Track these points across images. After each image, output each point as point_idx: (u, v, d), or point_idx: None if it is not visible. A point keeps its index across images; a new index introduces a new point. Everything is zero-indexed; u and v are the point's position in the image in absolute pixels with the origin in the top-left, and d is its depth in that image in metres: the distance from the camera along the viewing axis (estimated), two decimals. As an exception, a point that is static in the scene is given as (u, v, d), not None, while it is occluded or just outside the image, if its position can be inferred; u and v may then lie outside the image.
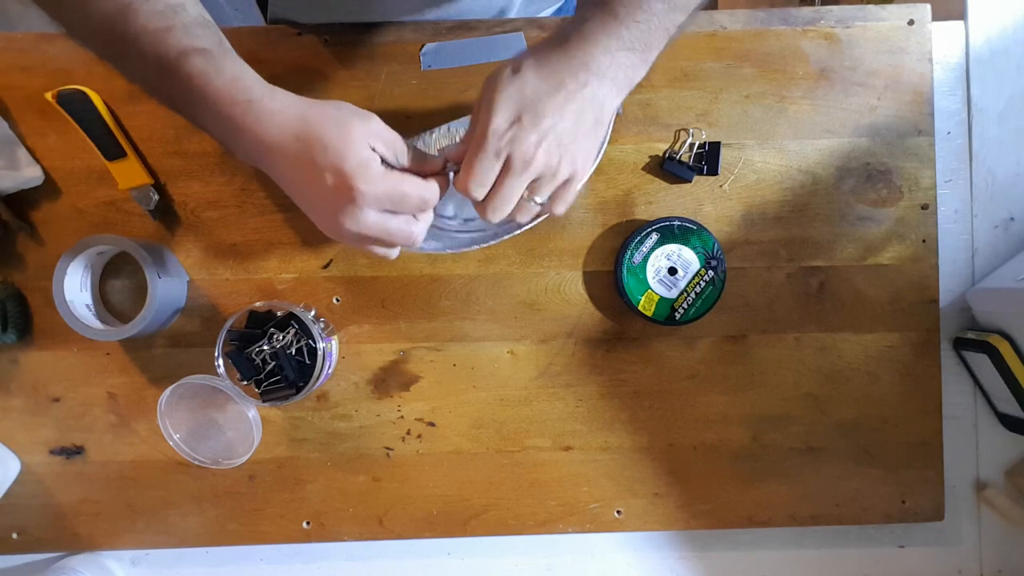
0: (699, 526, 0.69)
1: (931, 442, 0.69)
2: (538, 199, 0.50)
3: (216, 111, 0.45)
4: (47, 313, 0.67)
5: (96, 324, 0.64)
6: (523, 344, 0.69)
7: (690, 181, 0.68)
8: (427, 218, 0.51)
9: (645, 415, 0.69)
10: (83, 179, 0.67)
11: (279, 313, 0.66)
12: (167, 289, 0.64)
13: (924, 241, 0.69)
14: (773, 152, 0.69)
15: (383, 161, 0.47)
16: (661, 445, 0.69)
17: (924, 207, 0.69)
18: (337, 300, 0.68)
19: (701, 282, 0.67)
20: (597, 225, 0.69)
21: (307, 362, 0.64)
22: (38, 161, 0.66)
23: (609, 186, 0.68)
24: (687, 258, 0.67)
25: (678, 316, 0.67)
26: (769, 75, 0.68)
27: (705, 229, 0.67)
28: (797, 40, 0.68)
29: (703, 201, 0.69)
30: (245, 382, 0.65)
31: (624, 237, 0.68)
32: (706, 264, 0.67)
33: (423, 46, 0.68)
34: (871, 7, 0.69)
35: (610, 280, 0.69)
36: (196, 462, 0.65)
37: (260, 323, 0.65)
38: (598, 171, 0.68)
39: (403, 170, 0.49)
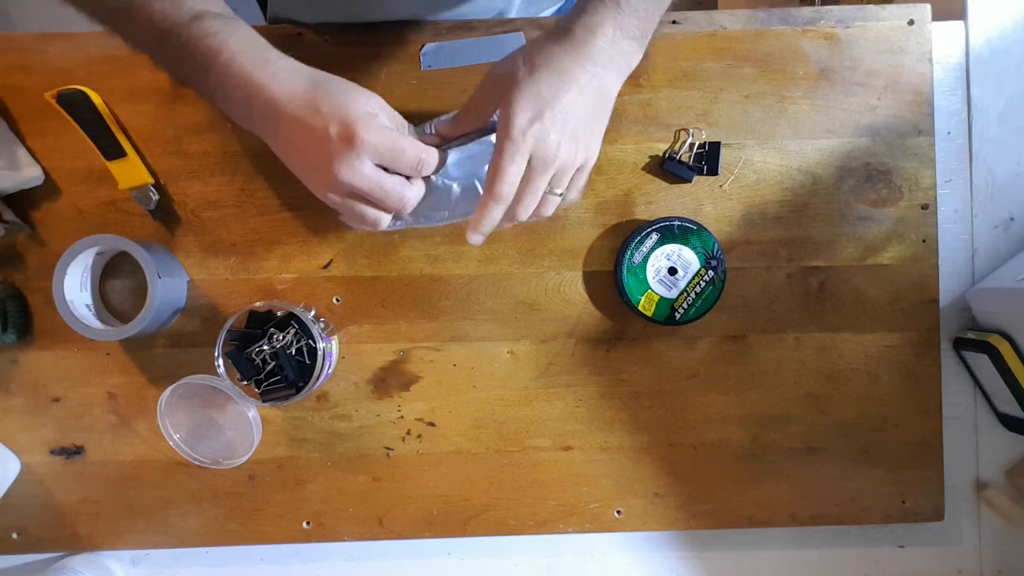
0: (699, 526, 0.69)
1: (931, 442, 0.69)
2: (558, 190, 0.51)
3: (229, 68, 0.46)
4: (47, 313, 0.67)
5: (96, 324, 0.64)
6: (523, 344, 0.69)
7: (690, 181, 0.68)
8: (420, 186, 0.52)
9: (645, 415, 0.69)
10: (83, 179, 0.67)
11: (279, 313, 0.66)
12: (167, 289, 0.64)
13: (924, 241, 0.69)
14: (773, 152, 0.69)
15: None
16: (661, 445, 0.69)
17: (924, 207, 0.69)
18: (337, 300, 0.68)
19: (701, 282, 0.67)
20: (597, 225, 0.69)
21: (307, 362, 0.64)
22: (38, 161, 0.66)
23: (609, 186, 0.68)
24: (687, 258, 0.67)
25: (678, 316, 0.67)
26: (769, 75, 0.68)
27: (705, 229, 0.67)
28: (797, 40, 0.68)
29: (703, 201, 0.69)
30: (245, 382, 0.65)
31: (624, 237, 0.68)
32: (706, 264, 0.67)
33: (423, 46, 0.68)
34: (871, 7, 0.69)
35: (610, 280, 0.69)
36: (196, 462, 0.65)
37: (260, 323, 0.65)
38: (598, 171, 0.68)
39: None
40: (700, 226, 0.67)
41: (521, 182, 0.49)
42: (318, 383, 0.65)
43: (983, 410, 0.71)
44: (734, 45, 0.68)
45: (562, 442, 0.69)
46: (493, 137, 0.51)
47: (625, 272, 0.67)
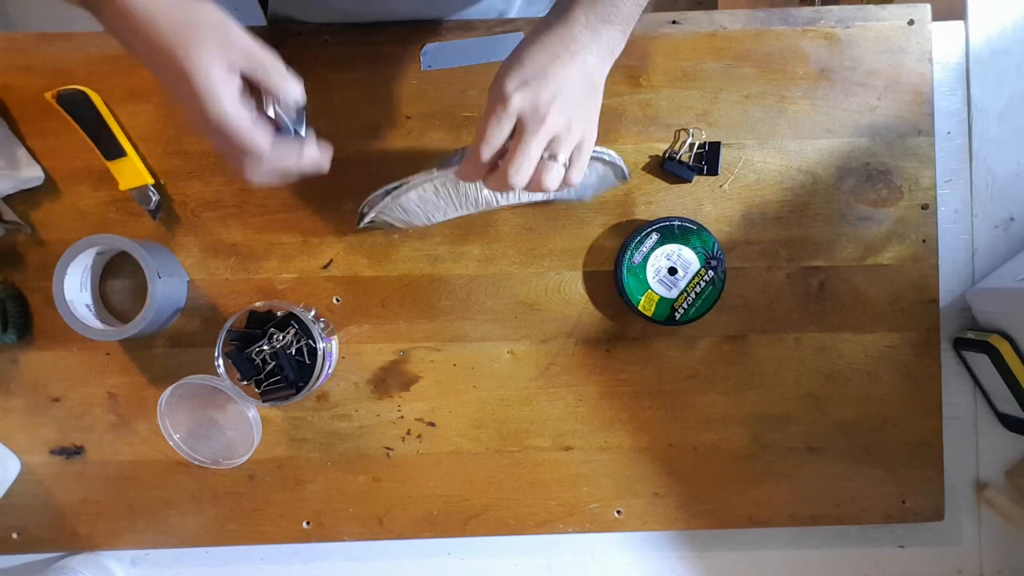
0: (699, 526, 0.69)
1: (931, 442, 0.69)
2: (560, 158, 0.51)
3: None
4: (47, 313, 0.67)
5: (96, 324, 0.64)
6: (523, 344, 0.69)
7: (690, 181, 0.68)
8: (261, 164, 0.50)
9: (645, 415, 0.69)
10: (83, 179, 0.67)
11: (279, 313, 0.66)
12: (167, 289, 0.64)
13: (924, 241, 0.69)
14: (773, 152, 0.69)
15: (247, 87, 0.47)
16: (661, 445, 0.69)
17: (924, 207, 0.69)
18: (337, 300, 0.68)
19: (701, 282, 0.67)
20: (597, 225, 0.69)
21: (307, 362, 0.64)
22: (38, 161, 0.66)
23: (609, 186, 0.68)
24: (687, 258, 0.67)
25: (678, 316, 0.67)
26: (769, 75, 0.68)
27: (705, 229, 0.67)
28: (797, 40, 0.68)
29: (703, 201, 0.69)
30: (245, 382, 0.65)
31: (624, 237, 0.68)
32: (706, 264, 0.67)
33: (423, 46, 0.68)
34: (871, 7, 0.69)
35: (610, 280, 0.69)
36: (196, 462, 0.65)
37: (260, 323, 0.65)
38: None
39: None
40: (700, 226, 0.67)
41: (513, 144, 0.49)
42: (318, 383, 0.65)
43: (983, 410, 0.71)
44: (734, 45, 0.68)
45: (562, 442, 0.69)
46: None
47: (625, 272, 0.67)
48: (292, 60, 0.67)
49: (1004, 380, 0.65)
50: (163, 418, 0.64)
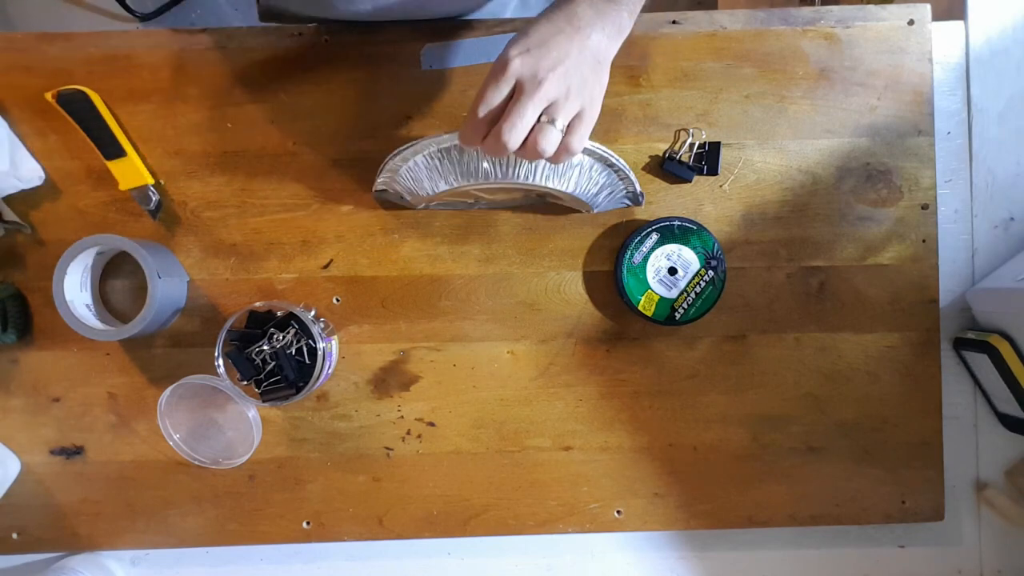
0: (699, 526, 0.69)
1: (931, 442, 0.69)
2: (557, 123, 0.51)
3: None
4: (47, 313, 0.67)
5: (96, 324, 0.64)
6: (523, 344, 0.69)
7: (690, 181, 0.68)
8: None
9: (645, 415, 0.69)
10: (83, 179, 0.67)
11: (279, 313, 0.66)
12: (167, 289, 0.64)
13: (924, 241, 0.69)
14: (773, 152, 0.69)
15: None
16: (661, 445, 0.69)
17: (924, 207, 0.69)
18: (337, 300, 0.68)
19: (701, 282, 0.67)
20: (597, 225, 0.69)
21: (307, 362, 0.64)
22: (38, 161, 0.66)
23: (609, 186, 0.68)
24: (687, 258, 0.67)
25: (678, 316, 0.67)
26: (769, 75, 0.68)
27: (705, 229, 0.67)
28: (797, 40, 0.68)
29: (703, 201, 0.69)
30: (245, 382, 0.65)
31: (624, 237, 0.68)
32: (706, 264, 0.67)
33: (423, 46, 0.68)
34: (871, 7, 0.69)
35: (610, 280, 0.69)
36: (196, 462, 0.65)
37: (260, 323, 0.65)
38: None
39: None
40: (700, 226, 0.67)
41: (509, 104, 0.50)
42: (318, 383, 0.65)
43: (983, 410, 0.71)
44: (734, 45, 0.68)
45: (562, 442, 0.69)
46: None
47: (625, 272, 0.67)
48: (292, 60, 0.68)
49: (1004, 380, 0.65)
50: (163, 418, 0.64)
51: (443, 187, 0.62)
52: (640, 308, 0.67)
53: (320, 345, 0.63)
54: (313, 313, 0.66)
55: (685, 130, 0.68)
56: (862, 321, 0.69)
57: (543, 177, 0.61)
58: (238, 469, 0.67)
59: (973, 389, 0.71)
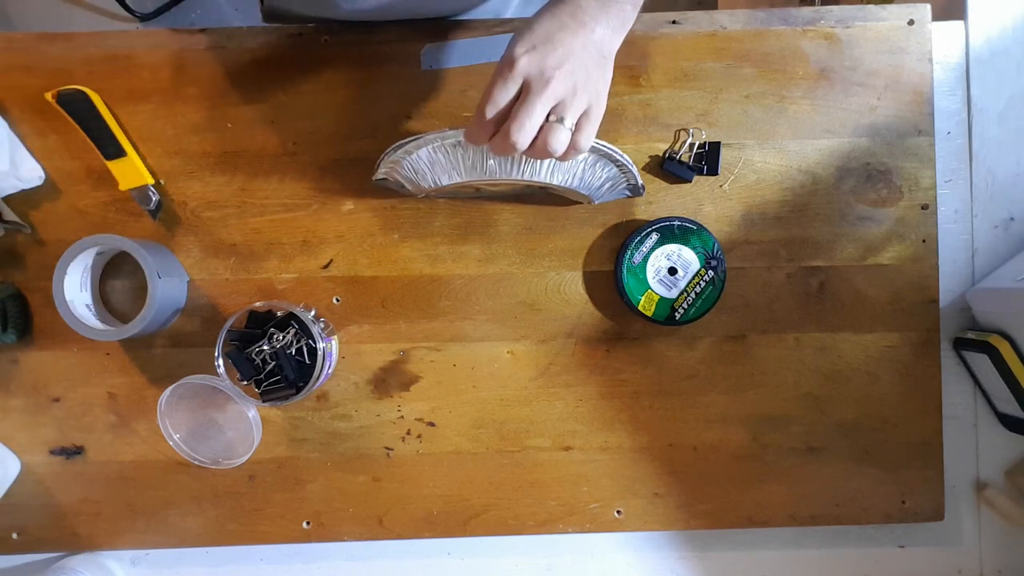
0: (699, 526, 0.69)
1: (931, 442, 0.69)
2: (566, 121, 0.51)
3: None
4: (47, 313, 0.67)
5: (96, 324, 0.64)
6: (523, 344, 0.69)
7: (690, 181, 0.68)
8: None
9: (645, 415, 0.69)
10: (83, 179, 0.67)
11: (279, 313, 0.66)
12: (167, 289, 0.64)
13: (924, 241, 0.69)
14: (773, 152, 0.69)
15: None
16: (661, 445, 0.69)
17: (924, 207, 0.69)
18: (337, 300, 0.68)
19: (701, 282, 0.67)
20: (597, 225, 0.69)
21: (307, 362, 0.64)
22: (38, 161, 0.66)
23: (609, 186, 0.68)
24: (687, 258, 0.67)
25: (678, 316, 0.67)
26: (769, 75, 0.68)
27: (705, 229, 0.67)
28: (797, 40, 0.68)
29: (703, 201, 0.69)
30: (245, 382, 0.65)
31: (624, 237, 0.68)
32: (706, 264, 0.67)
33: (423, 46, 0.68)
34: (871, 7, 0.69)
35: (610, 280, 0.69)
36: (196, 462, 0.65)
37: (260, 323, 0.65)
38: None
39: None
40: (700, 226, 0.67)
41: (517, 104, 0.50)
42: (318, 383, 0.65)
43: (983, 410, 0.71)
44: (734, 45, 0.68)
45: (562, 442, 0.69)
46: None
47: (625, 272, 0.67)
48: (292, 60, 0.68)
49: (1004, 380, 0.65)
50: (163, 418, 0.64)
51: (446, 181, 0.62)
52: (640, 308, 0.67)
53: (320, 345, 0.63)
54: (313, 313, 0.66)
55: (685, 130, 0.68)
56: (862, 321, 0.69)
57: (547, 174, 0.61)
58: (238, 469, 0.67)
59: (973, 389, 0.71)
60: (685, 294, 0.67)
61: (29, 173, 0.65)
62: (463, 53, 0.68)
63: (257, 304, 0.65)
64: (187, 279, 0.68)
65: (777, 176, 0.69)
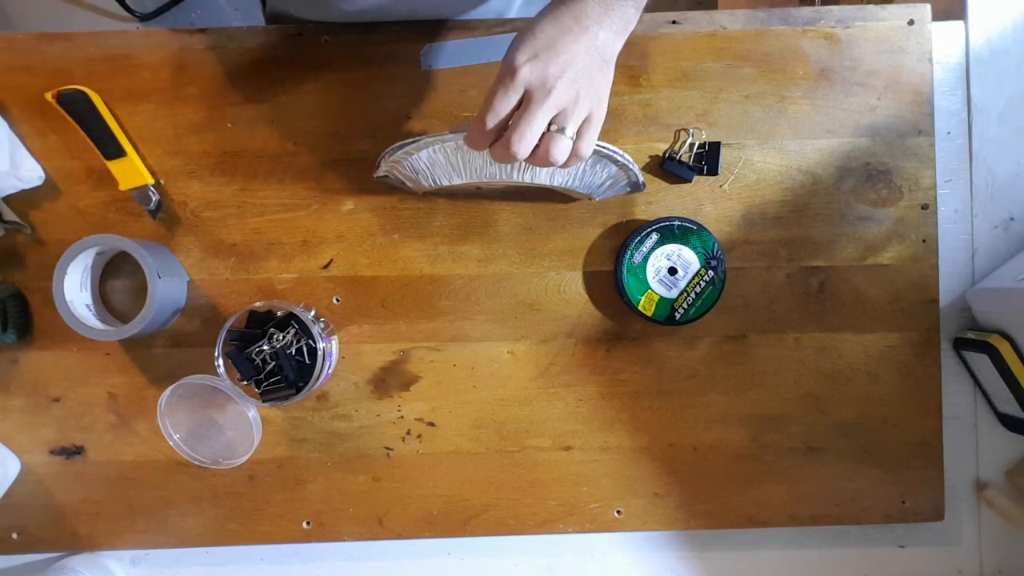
0: (699, 526, 0.69)
1: (931, 442, 0.69)
2: (567, 130, 0.51)
3: None
4: (47, 313, 0.67)
5: (96, 324, 0.64)
6: (523, 344, 0.69)
7: (690, 181, 0.68)
8: None
9: (645, 415, 0.69)
10: (83, 179, 0.67)
11: (279, 313, 0.66)
12: (167, 289, 0.64)
13: (924, 241, 0.69)
14: (773, 152, 0.69)
15: None
16: (661, 445, 0.69)
17: (924, 207, 0.69)
18: (337, 300, 0.68)
19: (701, 282, 0.67)
20: (597, 225, 0.69)
21: (307, 362, 0.64)
22: (38, 161, 0.66)
23: (609, 186, 0.68)
24: (687, 258, 0.67)
25: (678, 316, 0.67)
26: (769, 75, 0.68)
27: (705, 229, 0.67)
28: (797, 40, 0.68)
29: (703, 201, 0.69)
30: (245, 382, 0.65)
31: (624, 237, 0.68)
32: (706, 264, 0.67)
33: (423, 46, 0.68)
34: (871, 7, 0.69)
35: (610, 280, 0.69)
36: (196, 462, 0.65)
37: (260, 323, 0.65)
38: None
39: None
40: (700, 226, 0.67)
41: (518, 114, 0.50)
42: (318, 383, 0.65)
43: (983, 410, 0.71)
44: (734, 45, 0.68)
45: (562, 442, 0.69)
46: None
47: (625, 272, 0.67)
48: (292, 60, 0.68)
49: (1004, 380, 0.65)
50: (163, 418, 0.64)
51: (447, 183, 0.62)
52: (640, 308, 0.67)
53: (320, 345, 0.63)
54: (313, 313, 0.66)
55: (685, 130, 0.68)
56: (862, 321, 0.69)
57: (548, 176, 0.62)
58: (238, 469, 0.67)
59: (973, 389, 0.71)
60: (685, 294, 0.67)
61: (29, 173, 0.65)
62: (463, 53, 0.68)
63: (257, 304, 0.65)
64: (187, 279, 0.68)
65: (777, 176, 0.69)
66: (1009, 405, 0.67)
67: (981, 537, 0.72)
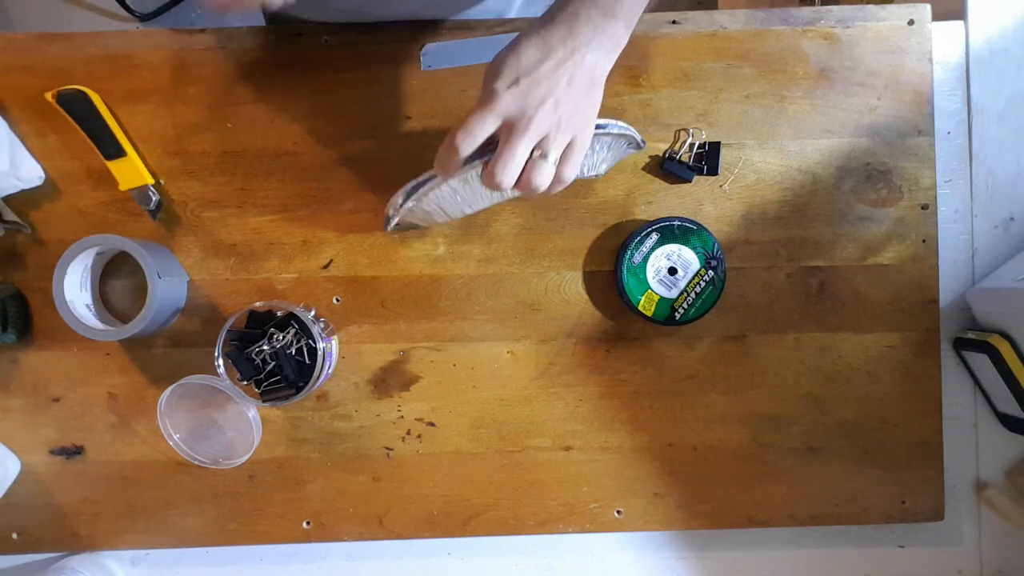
0: (699, 526, 0.69)
1: (931, 442, 0.69)
2: (550, 157, 0.50)
3: None
4: (47, 313, 0.67)
5: (96, 324, 0.64)
6: (523, 344, 0.69)
7: (690, 181, 0.68)
8: None
9: (645, 415, 0.69)
10: (83, 179, 0.67)
11: (279, 313, 0.66)
12: (167, 289, 0.64)
13: (924, 241, 0.69)
14: (773, 152, 0.69)
15: None
16: (661, 445, 0.69)
17: (924, 207, 0.69)
18: (337, 300, 0.68)
19: (701, 282, 0.67)
20: (597, 225, 0.69)
21: (307, 362, 0.64)
22: (38, 161, 0.66)
23: (609, 186, 0.68)
24: (687, 258, 0.67)
25: (678, 316, 0.67)
26: (769, 75, 0.68)
27: (705, 229, 0.67)
28: (797, 40, 0.68)
29: (703, 201, 0.69)
30: (245, 382, 0.65)
31: (624, 237, 0.68)
32: (706, 264, 0.67)
33: (423, 46, 0.68)
34: (871, 7, 0.69)
35: (610, 280, 0.69)
36: (196, 462, 0.65)
37: (260, 323, 0.65)
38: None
39: None
40: (700, 226, 0.67)
41: (500, 144, 0.49)
42: (318, 383, 0.65)
43: (983, 410, 0.71)
44: (734, 45, 0.68)
45: (562, 442, 0.69)
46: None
47: (625, 272, 0.67)
48: (292, 60, 0.68)
49: (1004, 380, 0.65)
50: (163, 418, 0.64)
51: (459, 215, 0.62)
52: (640, 308, 0.67)
53: (320, 345, 0.63)
54: (313, 313, 0.66)
55: (685, 130, 0.68)
56: (862, 321, 0.69)
57: None
58: (238, 469, 0.67)
59: (973, 389, 0.71)
60: (685, 294, 0.67)
61: (29, 173, 0.65)
62: (463, 53, 0.68)
63: (257, 304, 0.65)
64: (187, 279, 0.68)
65: (777, 176, 0.69)
66: (1009, 405, 0.67)
67: (981, 537, 0.72)
